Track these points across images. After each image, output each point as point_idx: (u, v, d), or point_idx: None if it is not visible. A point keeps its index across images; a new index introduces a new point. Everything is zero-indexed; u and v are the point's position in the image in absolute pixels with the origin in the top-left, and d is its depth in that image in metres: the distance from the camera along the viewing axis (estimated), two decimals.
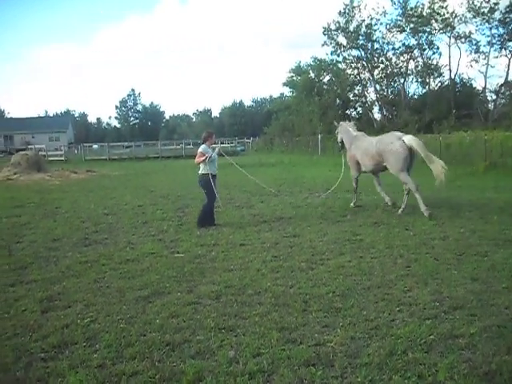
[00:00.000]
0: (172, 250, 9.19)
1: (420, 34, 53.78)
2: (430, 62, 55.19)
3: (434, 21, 51.90)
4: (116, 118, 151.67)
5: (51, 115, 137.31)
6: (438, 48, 54.75)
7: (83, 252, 9.23)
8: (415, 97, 58.54)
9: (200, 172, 11.40)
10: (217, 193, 11.52)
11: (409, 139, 11.90)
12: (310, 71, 64.42)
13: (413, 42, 55.26)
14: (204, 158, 11.14)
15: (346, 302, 6.14)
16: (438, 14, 51.15)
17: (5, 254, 9.14)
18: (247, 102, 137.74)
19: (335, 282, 6.92)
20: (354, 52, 59.23)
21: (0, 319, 6.01)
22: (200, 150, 11.37)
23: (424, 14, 51.92)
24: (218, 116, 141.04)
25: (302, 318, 5.70)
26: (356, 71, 60.63)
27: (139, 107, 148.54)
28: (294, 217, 12.22)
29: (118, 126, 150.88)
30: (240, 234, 10.35)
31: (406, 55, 56.51)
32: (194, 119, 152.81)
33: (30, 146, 62.92)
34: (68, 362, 4.82)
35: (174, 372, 4.53)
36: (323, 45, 59.43)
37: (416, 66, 56.44)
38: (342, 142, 14.58)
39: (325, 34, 58.51)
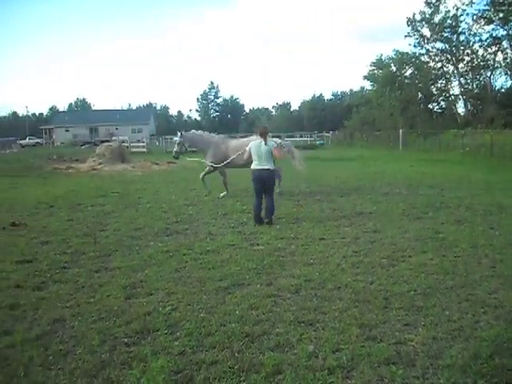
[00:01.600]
0: (251, 242, 9.26)
1: (510, 24, 51.43)
2: None
3: None
4: (197, 110, 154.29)
5: (134, 108, 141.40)
6: None
7: (164, 241, 9.44)
8: (502, 90, 56.27)
9: (270, 167, 11.11)
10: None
11: None
12: (392, 64, 63.19)
13: (501, 32, 53.05)
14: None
15: (427, 301, 6.00)
16: None
17: (90, 241, 9.49)
18: (327, 96, 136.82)
19: (417, 280, 6.77)
20: (438, 44, 57.61)
21: (86, 303, 6.24)
22: (280, 143, 11.27)
23: None
24: (298, 109, 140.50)
25: (382, 315, 5.62)
26: (439, 64, 58.96)
27: (219, 100, 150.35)
28: (375, 212, 12.04)
29: (199, 118, 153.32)
30: (320, 228, 10.29)
31: (493, 47, 54.33)
32: (274, 112, 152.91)
33: (113, 138, 64.97)
34: (150, 347, 4.96)
35: (253, 363, 4.58)
36: (406, 36, 58.24)
37: (504, 58, 54.22)
38: None
39: (408, 25, 57.27)
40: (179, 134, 16.20)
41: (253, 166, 11.12)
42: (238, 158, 14.07)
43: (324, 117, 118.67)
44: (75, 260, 8.29)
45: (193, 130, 17.37)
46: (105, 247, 9.06)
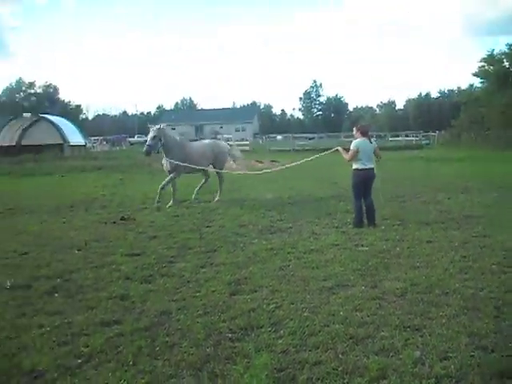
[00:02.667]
0: (356, 242, 9.13)
1: None
2: None
3: None
4: (300, 109, 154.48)
5: (238, 107, 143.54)
6: None
7: (268, 239, 9.52)
8: None
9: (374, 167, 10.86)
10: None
11: None
12: (504, 60, 60.22)
13: None
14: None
15: None
16: None
17: (196, 236, 9.74)
18: (433, 94, 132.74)
19: None
20: None
21: (192, 297, 6.41)
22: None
23: None
24: (403, 108, 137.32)
25: (493, 324, 5.35)
26: None
27: (322, 99, 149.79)
28: (484, 216, 11.49)
29: (302, 117, 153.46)
30: (426, 230, 9.99)
31: None
32: (378, 111, 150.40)
33: (218, 136, 66.28)
34: (254, 344, 5.01)
35: (358, 366, 4.50)
36: None
37: None
38: None
39: None
40: (158, 126, 14.67)
41: (358, 166, 10.70)
42: (203, 160, 14.69)
43: (430, 116, 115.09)
44: (181, 255, 8.54)
45: (162, 125, 15.00)
46: (210, 243, 9.26)
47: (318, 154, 14.26)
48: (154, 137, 14.07)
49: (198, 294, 6.52)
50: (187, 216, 12.18)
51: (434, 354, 4.68)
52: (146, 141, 14.37)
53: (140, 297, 6.48)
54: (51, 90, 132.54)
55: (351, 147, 10.80)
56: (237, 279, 7.09)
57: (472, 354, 4.68)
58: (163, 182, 14.30)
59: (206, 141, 16.67)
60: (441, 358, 4.61)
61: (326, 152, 13.65)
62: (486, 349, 4.79)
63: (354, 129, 11.22)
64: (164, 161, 14.68)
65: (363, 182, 10.78)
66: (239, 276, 7.23)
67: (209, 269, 7.69)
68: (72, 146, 45.21)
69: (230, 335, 5.27)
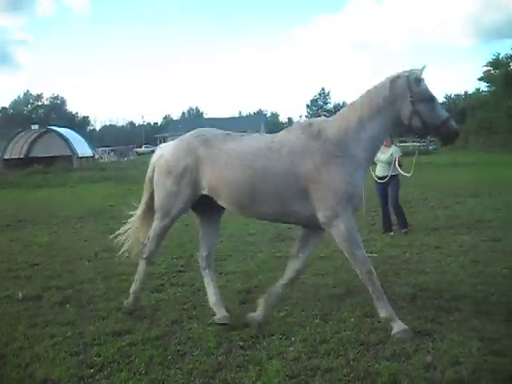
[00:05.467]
0: (365, 249, 9.08)
1: None
2: None
3: None
4: (307, 117, 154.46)
5: (244, 115, 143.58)
6: None
7: (277, 247, 9.54)
8: None
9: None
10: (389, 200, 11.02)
11: None
12: (511, 63, 60.07)
13: None
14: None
15: None
16: None
17: None
18: (440, 99, 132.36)
19: None
20: None
21: (202, 306, 6.41)
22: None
23: None
24: None
25: (505, 328, 5.34)
26: None
27: (329, 106, 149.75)
28: (494, 220, 11.50)
29: None
30: (435, 235, 10.00)
31: None
32: None
33: None
34: (265, 352, 5.02)
35: (369, 372, 4.50)
36: None
37: None
38: None
39: None
40: None
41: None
42: None
43: None
44: (191, 264, 8.55)
45: None
46: (220, 252, 9.24)
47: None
48: None
49: (208, 303, 6.52)
50: (197, 225, 12.15)
51: (446, 359, 4.66)
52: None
53: (151, 306, 6.52)
54: (58, 102, 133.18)
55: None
56: (247, 288, 7.11)
57: (484, 358, 4.66)
58: None
59: None
60: (452, 363, 4.60)
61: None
62: (498, 353, 4.77)
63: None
64: None
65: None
66: (249, 285, 7.26)
67: (219, 278, 7.65)
68: (80, 157, 45.46)
69: (241, 343, 5.27)
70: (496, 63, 62.50)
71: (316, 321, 5.76)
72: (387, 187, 10.88)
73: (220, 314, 5.80)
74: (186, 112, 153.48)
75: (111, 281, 7.75)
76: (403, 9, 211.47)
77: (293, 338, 5.32)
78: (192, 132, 6.26)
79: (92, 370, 4.77)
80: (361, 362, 4.71)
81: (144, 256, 6.32)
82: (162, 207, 6.16)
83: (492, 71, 63.67)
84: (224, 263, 8.52)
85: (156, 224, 6.21)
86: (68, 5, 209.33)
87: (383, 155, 10.87)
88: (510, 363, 4.54)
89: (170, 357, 5.01)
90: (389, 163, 10.87)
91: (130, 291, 6.32)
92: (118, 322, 5.97)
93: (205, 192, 5.89)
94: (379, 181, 10.78)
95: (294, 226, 11.40)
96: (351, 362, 4.69)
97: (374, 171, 10.82)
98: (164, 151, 6.30)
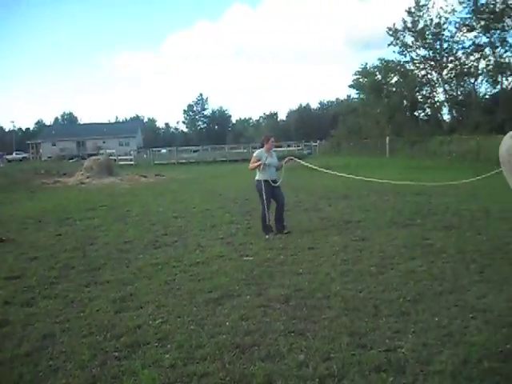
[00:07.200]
0: (241, 253, 9.26)
1: (492, 32, 51.87)
2: (502, 60, 52.98)
3: (507, 17, 49.94)
4: (183, 122, 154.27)
5: (121, 121, 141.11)
6: (511, 46, 52.66)
7: (154, 254, 9.43)
8: (486, 97, 56.57)
9: (256, 178, 11.11)
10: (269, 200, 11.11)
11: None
12: (377, 72, 63.48)
13: (484, 40, 53.35)
14: (256, 164, 10.86)
15: (417, 308, 6.03)
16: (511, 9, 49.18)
17: (79, 255, 9.46)
18: (313, 105, 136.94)
19: (406, 287, 6.80)
20: (422, 52, 57.93)
21: (76, 318, 6.21)
22: (254, 154, 11.20)
23: (496, 10, 50.07)
24: (285, 119, 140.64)
25: (372, 323, 5.63)
26: (424, 72, 59.27)
27: (207, 112, 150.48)
28: (363, 220, 12.07)
29: (186, 130, 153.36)
30: (308, 237, 10.32)
31: (476, 54, 54.66)
32: (261, 121, 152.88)
33: (101, 151, 64.83)
34: (141, 361, 4.94)
35: (244, 374, 4.57)
36: (389, 45, 58.48)
37: (487, 65, 54.55)
38: None
39: (390, 35, 57.60)
40: None
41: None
42: None
43: (311, 126, 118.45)
44: (64, 275, 8.24)
45: None
46: (94, 261, 9.03)
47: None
48: None
49: (82, 315, 6.32)
50: (70, 234, 11.80)
51: (318, 356, 4.84)
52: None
53: (21, 321, 6.17)
54: None
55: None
56: (122, 296, 6.95)
57: (353, 352, 4.89)
58: None
59: None
60: (324, 359, 4.79)
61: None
62: (365, 346, 5.03)
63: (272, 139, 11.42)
64: None
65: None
66: (124, 293, 7.10)
67: (93, 288, 7.49)
68: None
69: (116, 354, 5.16)
70: (364, 72, 65.85)
71: (192, 327, 5.74)
72: (274, 191, 11.04)
73: None
74: (59, 117, 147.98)
75: None
76: (278, 16, 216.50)
77: (169, 346, 5.28)
78: None
79: None
80: (236, 364, 4.77)
81: None
82: None
83: (361, 79, 66.98)
84: (98, 273, 8.27)
85: None
86: None
87: (272, 159, 11.09)
88: (376, 355, 4.79)
89: (41, 373, 4.80)
90: (276, 167, 11.17)
91: None
92: None
93: None
94: (274, 184, 10.97)
95: (171, 231, 11.45)
96: (227, 366, 4.74)
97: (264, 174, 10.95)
98: None
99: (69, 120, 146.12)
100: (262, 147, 11.25)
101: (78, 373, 4.77)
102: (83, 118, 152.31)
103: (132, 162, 51.36)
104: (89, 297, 7.03)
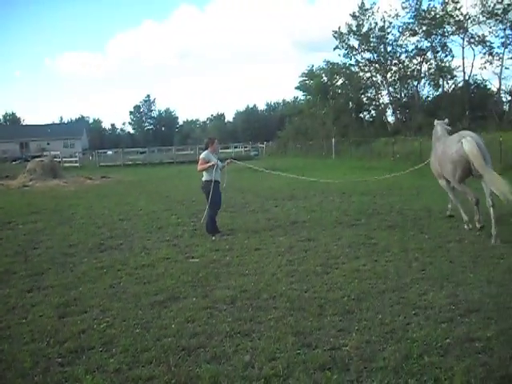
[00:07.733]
0: (187, 255, 9.22)
1: (433, 37, 53.51)
2: (443, 64, 54.72)
3: (447, 23, 51.60)
4: (130, 123, 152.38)
5: (66, 122, 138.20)
6: (451, 50, 54.31)
7: (99, 257, 9.29)
8: (429, 99, 58.20)
9: (203, 179, 11.12)
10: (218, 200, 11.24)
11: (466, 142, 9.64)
12: (323, 75, 64.26)
13: (426, 44, 55.05)
14: (208, 165, 10.86)
15: (361, 306, 6.14)
16: (451, 16, 50.76)
17: (21, 260, 9.22)
18: (261, 107, 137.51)
19: (350, 286, 6.91)
20: (367, 55, 59.13)
21: (18, 325, 6.06)
22: (202, 156, 11.16)
23: (437, 16, 51.68)
24: (232, 121, 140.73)
25: (317, 322, 5.71)
26: (369, 74, 60.52)
27: (154, 113, 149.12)
28: (309, 221, 12.20)
29: (132, 131, 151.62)
30: (255, 238, 10.35)
31: (418, 58, 56.22)
32: (208, 123, 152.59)
33: (45, 153, 63.38)
34: (85, 366, 4.86)
35: (190, 376, 4.56)
36: (335, 48, 59.37)
37: (429, 69, 56.15)
38: None
39: (335, 38, 58.49)
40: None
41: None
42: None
43: (258, 127, 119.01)
44: (5, 280, 8.03)
45: None
46: (37, 266, 8.82)
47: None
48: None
49: (24, 321, 6.17)
50: (12, 238, 11.49)
51: (263, 356, 4.87)
52: None
53: None
54: None
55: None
56: (66, 301, 6.82)
57: (298, 352, 4.95)
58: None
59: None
60: (269, 359, 4.82)
61: None
62: (310, 345, 5.10)
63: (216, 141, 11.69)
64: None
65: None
66: (68, 298, 6.96)
67: (36, 293, 7.31)
68: None
69: (59, 360, 5.06)
70: (310, 74, 66.58)
71: (137, 330, 5.69)
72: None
73: None
74: (1, 117, 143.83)
75: None
76: (226, 17, 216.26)
77: (114, 350, 5.21)
78: None
79: None
80: (182, 367, 4.75)
81: None
82: None
83: (307, 81, 67.69)
84: (41, 277, 8.08)
85: None
86: None
87: (219, 161, 11.20)
88: (321, 354, 4.85)
89: None
90: (220, 169, 11.22)
91: None
92: None
93: None
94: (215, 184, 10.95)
95: (117, 233, 11.31)
96: (173, 369, 4.71)
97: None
98: None
99: (11, 121, 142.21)
100: (206, 149, 11.28)
101: (19, 381, 4.66)
102: (26, 119, 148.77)
103: (77, 164, 50.46)
104: (31, 302, 6.87)
